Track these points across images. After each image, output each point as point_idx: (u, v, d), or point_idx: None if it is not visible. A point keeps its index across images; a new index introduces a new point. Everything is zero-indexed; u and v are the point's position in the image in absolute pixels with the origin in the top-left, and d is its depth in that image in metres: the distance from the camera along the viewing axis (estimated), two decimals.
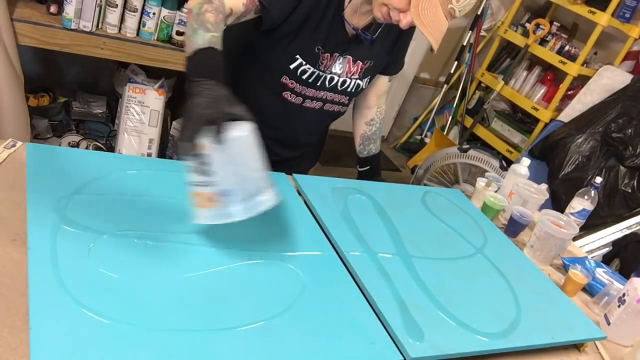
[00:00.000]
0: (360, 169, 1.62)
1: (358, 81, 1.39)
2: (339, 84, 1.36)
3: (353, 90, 1.41)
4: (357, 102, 1.59)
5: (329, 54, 1.30)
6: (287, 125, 1.43)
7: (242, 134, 0.90)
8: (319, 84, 1.34)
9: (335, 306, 0.99)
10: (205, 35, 1.00)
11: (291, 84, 1.32)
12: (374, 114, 1.57)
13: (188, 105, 0.89)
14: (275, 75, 1.32)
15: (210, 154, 0.89)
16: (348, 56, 1.33)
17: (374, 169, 1.61)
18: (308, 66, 1.30)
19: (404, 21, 1.14)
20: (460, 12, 1.12)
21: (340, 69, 1.34)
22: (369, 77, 1.42)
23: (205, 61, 0.96)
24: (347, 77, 1.36)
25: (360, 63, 1.36)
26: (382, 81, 1.52)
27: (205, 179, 0.91)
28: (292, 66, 1.29)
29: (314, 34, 1.26)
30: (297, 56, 1.28)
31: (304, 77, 1.32)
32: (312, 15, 1.23)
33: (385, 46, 1.39)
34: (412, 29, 1.40)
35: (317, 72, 1.32)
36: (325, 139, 1.68)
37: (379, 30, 1.33)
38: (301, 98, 1.36)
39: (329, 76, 1.34)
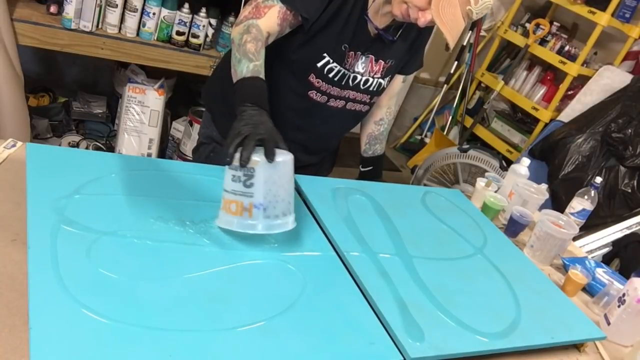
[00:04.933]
0: (362, 169, 1.62)
1: (380, 80, 1.40)
2: (362, 82, 1.38)
3: (375, 89, 1.42)
4: None
5: (353, 53, 1.32)
6: (311, 125, 1.43)
7: (288, 158, 1.02)
8: (343, 82, 1.35)
9: (335, 306, 0.99)
10: (249, 65, 1.12)
11: (317, 82, 1.33)
12: (384, 113, 1.57)
13: (236, 124, 1.02)
14: (301, 74, 1.33)
15: (257, 169, 0.98)
16: (370, 55, 1.35)
17: (376, 170, 1.61)
18: (335, 64, 1.31)
19: (421, 19, 1.17)
20: (477, 15, 1.15)
21: (363, 68, 1.35)
22: (390, 76, 1.43)
23: (251, 89, 1.10)
24: (369, 76, 1.38)
25: (382, 62, 1.38)
26: (397, 82, 1.52)
27: (245, 189, 0.99)
28: (319, 64, 1.30)
29: (341, 32, 1.27)
30: (325, 54, 1.29)
31: (331, 75, 1.33)
32: (341, 14, 1.25)
33: (404, 46, 1.40)
34: (430, 30, 1.40)
35: (343, 70, 1.33)
36: (339, 145, 1.68)
37: (400, 32, 1.34)
38: (326, 97, 1.37)
39: (352, 75, 1.35)
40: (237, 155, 0.98)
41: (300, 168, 1.44)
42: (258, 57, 1.14)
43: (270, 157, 0.98)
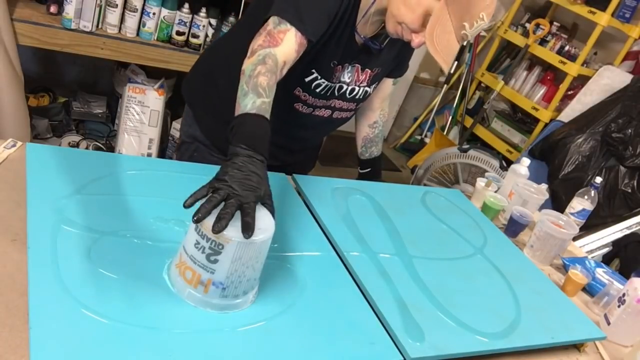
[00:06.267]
0: (361, 171, 1.62)
1: (366, 88, 1.39)
2: (348, 92, 1.36)
3: (361, 97, 1.40)
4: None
5: (340, 66, 1.30)
6: (296, 133, 1.42)
7: (266, 237, 0.86)
8: (329, 94, 1.34)
9: (335, 306, 0.99)
10: (255, 100, 0.98)
11: (304, 96, 1.31)
12: (377, 116, 1.57)
13: (221, 172, 0.87)
14: (287, 88, 1.29)
15: (227, 247, 0.83)
16: (357, 65, 1.32)
17: (375, 171, 1.61)
18: (323, 80, 1.29)
19: (415, 41, 1.15)
20: (472, 36, 1.13)
21: (349, 77, 1.33)
22: (376, 83, 1.42)
23: (252, 128, 0.95)
24: (355, 85, 1.36)
25: (369, 71, 1.35)
26: (387, 84, 1.51)
27: (207, 263, 0.85)
28: (307, 79, 1.28)
29: (333, 50, 1.25)
30: (313, 70, 1.27)
31: (318, 90, 1.31)
32: (335, 34, 1.23)
33: (392, 52, 1.38)
34: None
35: (330, 84, 1.31)
36: (322, 141, 1.68)
37: (387, 40, 1.32)
38: (311, 108, 1.35)
39: (337, 85, 1.33)
40: (209, 223, 0.81)
41: (283, 167, 1.44)
42: (268, 94, 1.01)
43: (247, 233, 0.81)
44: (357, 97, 1.39)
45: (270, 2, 1.17)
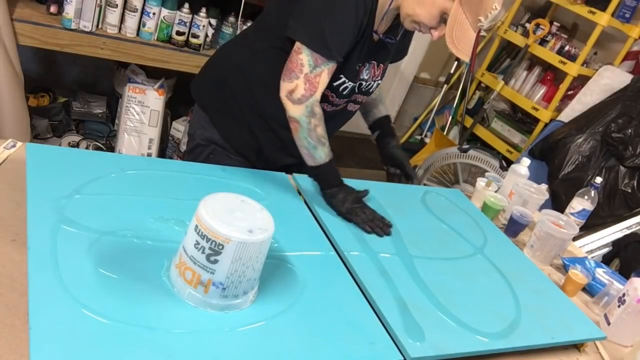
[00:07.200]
0: (374, 137, 1.61)
1: (378, 81, 1.44)
2: (364, 87, 1.40)
3: (373, 90, 1.45)
4: None
5: (363, 66, 1.35)
6: None
7: (266, 237, 0.88)
8: (351, 93, 1.38)
9: (335, 306, 0.99)
10: (324, 149, 1.27)
11: (331, 97, 1.35)
12: None
13: (337, 202, 1.27)
14: None
15: (227, 247, 0.84)
16: (373, 61, 1.37)
17: (386, 131, 1.60)
18: (350, 82, 1.34)
19: (435, 35, 1.22)
20: (488, 24, 1.22)
21: (367, 74, 1.37)
22: (384, 75, 1.46)
23: (332, 173, 1.31)
24: (371, 80, 1.40)
25: (382, 66, 1.41)
26: None
27: (207, 263, 0.86)
28: (335, 83, 1.32)
29: (358, 55, 1.30)
30: (341, 75, 1.31)
31: (344, 92, 1.35)
32: (359, 42, 1.27)
33: (402, 42, 1.43)
34: None
35: (353, 84, 1.36)
36: None
37: (401, 31, 1.36)
38: (335, 107, 1.39)
39: (358, 83, 1.37)
40: (210, 223, 0.84)
41: (289, 166, 1.45)
42: (326, 136, 1.27)
43: (386, 231, 1.26)
44: (370, 90, 1.44)
45: (283, 13, 1.23)
